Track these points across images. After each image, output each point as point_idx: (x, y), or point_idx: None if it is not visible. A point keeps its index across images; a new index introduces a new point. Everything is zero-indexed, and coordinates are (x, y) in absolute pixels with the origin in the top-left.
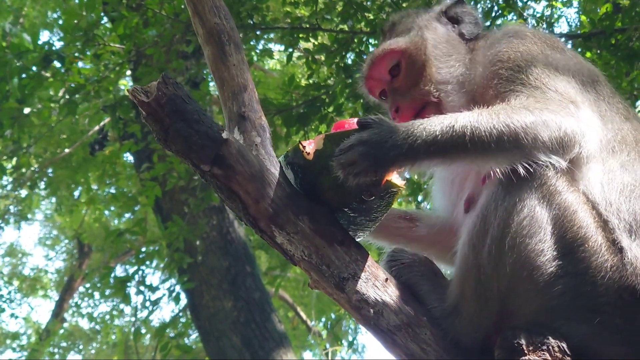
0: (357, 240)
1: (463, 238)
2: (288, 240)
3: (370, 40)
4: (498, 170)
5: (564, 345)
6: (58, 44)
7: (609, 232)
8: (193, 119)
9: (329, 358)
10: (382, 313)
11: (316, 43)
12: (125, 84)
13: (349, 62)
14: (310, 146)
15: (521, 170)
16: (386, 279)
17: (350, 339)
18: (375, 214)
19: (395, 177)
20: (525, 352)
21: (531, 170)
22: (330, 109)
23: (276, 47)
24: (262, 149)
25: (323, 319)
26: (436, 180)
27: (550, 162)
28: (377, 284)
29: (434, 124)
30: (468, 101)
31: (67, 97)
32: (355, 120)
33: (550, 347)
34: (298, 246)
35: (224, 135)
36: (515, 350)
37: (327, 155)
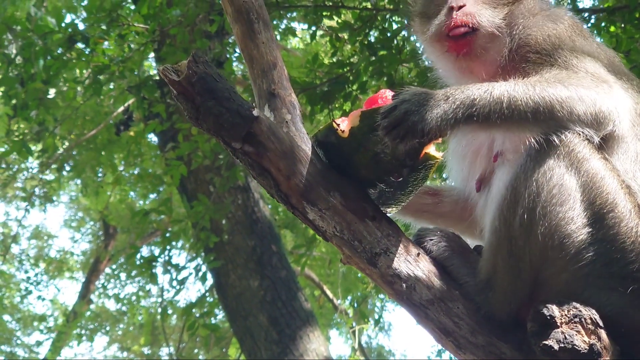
0: (387, 214)
1: (493, 212)
2: (320, 216)
3: (394, 17)
4: (529, 140)
5: (597, 316)
6: (82, 25)
7: (633, 196)
8: (224, 97)
9: (356, 336)
10: (414, 287)
11: (340, 21)
12: (149, 65)
13: (373, 39)
14: (343, 124)
15: (553, 139)
16: (418, 254)
17: (377, 317)
18: (411, 188)
19: (432, 149)
20: (558, 324)
21: (557, 140)
22: (354, 87)
23: (298, 27)
24: (293, 125)
25: (349, 298)
26: (450, 154)
27: (583, 133)
28: (409, 259)
29: (471, 88)
30: (497, 62)
31: (91, 77)
32: (387, 93)
33: (583, 320)
34: (330, 222)
35: (255, 112)
36: (548, 322)
37: (363, 131)
